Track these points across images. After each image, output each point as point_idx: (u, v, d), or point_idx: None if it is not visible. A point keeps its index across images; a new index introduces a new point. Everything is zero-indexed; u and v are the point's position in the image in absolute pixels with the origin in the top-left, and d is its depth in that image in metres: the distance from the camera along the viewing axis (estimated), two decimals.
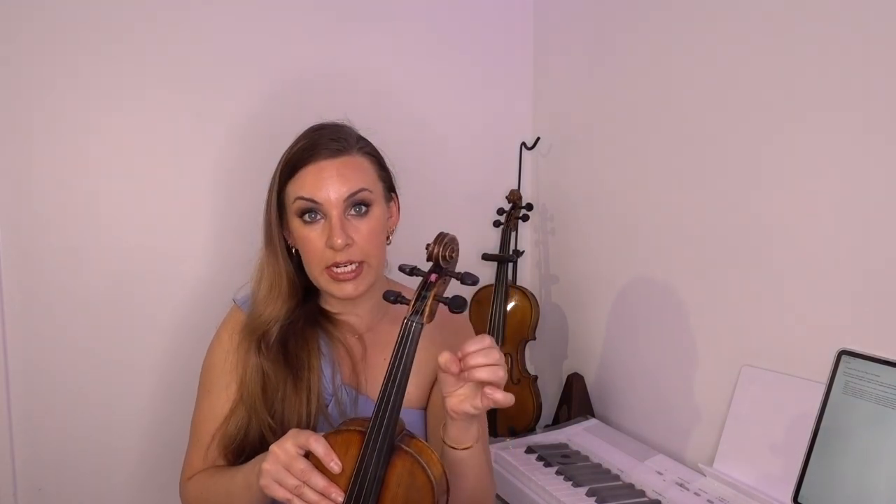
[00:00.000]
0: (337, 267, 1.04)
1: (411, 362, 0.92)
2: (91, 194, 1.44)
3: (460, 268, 0.96)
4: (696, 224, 1.39)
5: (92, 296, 1.46)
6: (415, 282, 0.97)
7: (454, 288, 0.94)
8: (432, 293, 0.93)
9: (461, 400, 0.92)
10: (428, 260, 0.94)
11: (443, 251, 0.92)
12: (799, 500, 1.10)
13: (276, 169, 1.09)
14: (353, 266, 1.05)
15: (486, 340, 0.91)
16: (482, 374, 0.89)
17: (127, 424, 1.52)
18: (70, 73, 1.40)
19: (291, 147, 1.08)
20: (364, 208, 1.06)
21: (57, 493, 1.47)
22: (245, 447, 1.08)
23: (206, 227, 1.54)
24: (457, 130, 1.79)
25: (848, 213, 1.10)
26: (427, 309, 0.93)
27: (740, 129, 1.27)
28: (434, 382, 1.16)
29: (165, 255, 1.50)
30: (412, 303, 0.94)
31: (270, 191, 1.09)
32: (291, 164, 1.06)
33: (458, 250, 0.96)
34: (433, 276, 0.94)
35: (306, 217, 1.05)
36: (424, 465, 0.92)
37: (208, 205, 1.54)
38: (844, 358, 1.09)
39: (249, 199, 1.52)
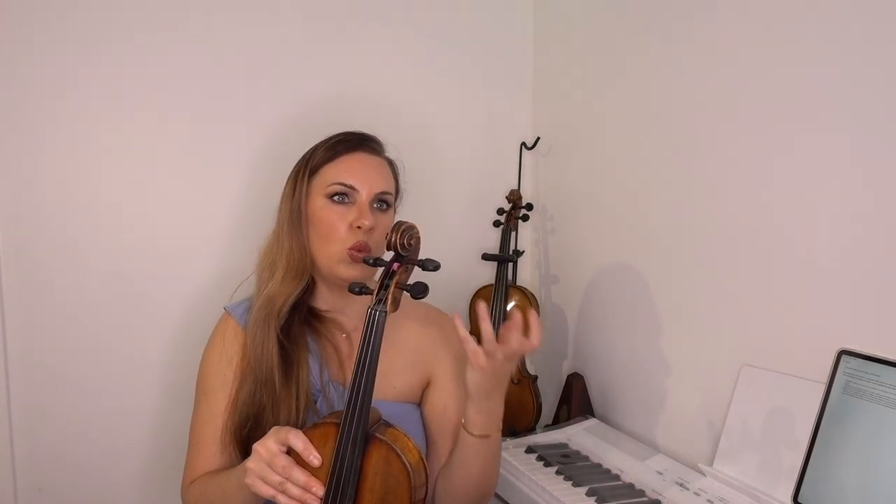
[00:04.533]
0: (358, 251, 1.09)
1: (378, 351, 0.95)
2: (93, 194, 1.44)
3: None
4: (696, 224, 1.39)
5: (93, 294, 1.45)
6: None
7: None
8: (394, 282, 0.95)
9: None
10: (388, 249, 0.96)
11: (401, 239, 0.94)
12: (799, 499, 1.10)
13: (309, 155, 1.16)
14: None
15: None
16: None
17: (128, 423, 1.51)
18: (73, 73, 1.40)
19: (329, 139, 1.17)
20: (385, 206, 1.16)
21: (58, 492, 1.47)
22: (250, 418, 1.09)
23: (209, 225, 1.54)
24: (457, 130, 1.79)
25: (848, 212, 1.10)
26: (390, 297, 0.94)
27: (741, 129, 1.27)
28: (429, 382, 1.18)
29: (167, 253, 1.50)
30: (375, 293, 0.95)
31: (302, 173, 1.15)
32: (332, 152, 1.14)
33: (417, 237, 0.98)
34: (395, 265, 0.96)
35: (336, 198, 1.11)
36: (399, 452, 0.93)
37: (211, 203, 1.53)
38: (844, 358, 1.09)
39: (253, 197, 1.54)
